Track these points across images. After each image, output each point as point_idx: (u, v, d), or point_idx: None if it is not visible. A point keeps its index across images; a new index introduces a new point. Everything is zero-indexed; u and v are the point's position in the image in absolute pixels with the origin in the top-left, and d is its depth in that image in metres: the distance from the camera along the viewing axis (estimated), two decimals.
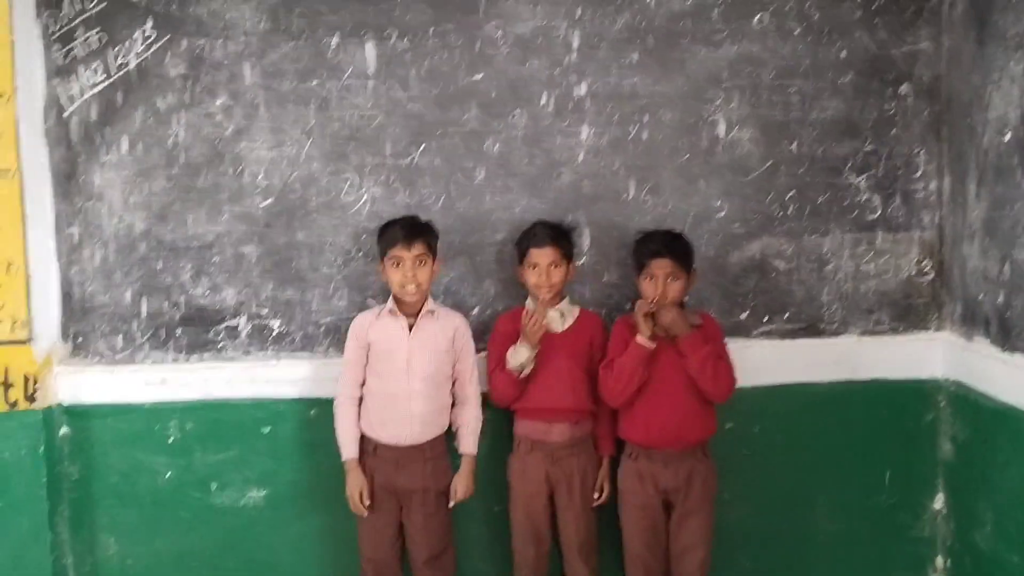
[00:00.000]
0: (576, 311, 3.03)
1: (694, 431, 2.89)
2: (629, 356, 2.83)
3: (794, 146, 3.17)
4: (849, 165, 3.18)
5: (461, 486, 2.96)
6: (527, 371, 2.88)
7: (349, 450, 2.93)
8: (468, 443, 2.99)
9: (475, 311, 3.19)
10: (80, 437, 3.21)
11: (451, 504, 2.96)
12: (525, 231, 3.02)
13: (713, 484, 2.95)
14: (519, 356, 2.87)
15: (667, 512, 2.94)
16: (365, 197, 3.17)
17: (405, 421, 2.89)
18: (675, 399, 2.86)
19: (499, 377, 2.93)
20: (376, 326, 2.93)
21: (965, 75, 3.01)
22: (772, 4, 3.13)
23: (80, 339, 3.22)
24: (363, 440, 2.96)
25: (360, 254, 3.17)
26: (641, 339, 2.82)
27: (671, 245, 2.91)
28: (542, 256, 2.93)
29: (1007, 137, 2.73)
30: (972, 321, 3.00)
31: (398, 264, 2.86)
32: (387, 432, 2.90)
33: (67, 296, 3.21)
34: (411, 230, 2.88)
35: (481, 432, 3.04)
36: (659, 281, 2.86)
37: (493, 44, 3.14)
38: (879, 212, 3.20)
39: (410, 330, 2.91)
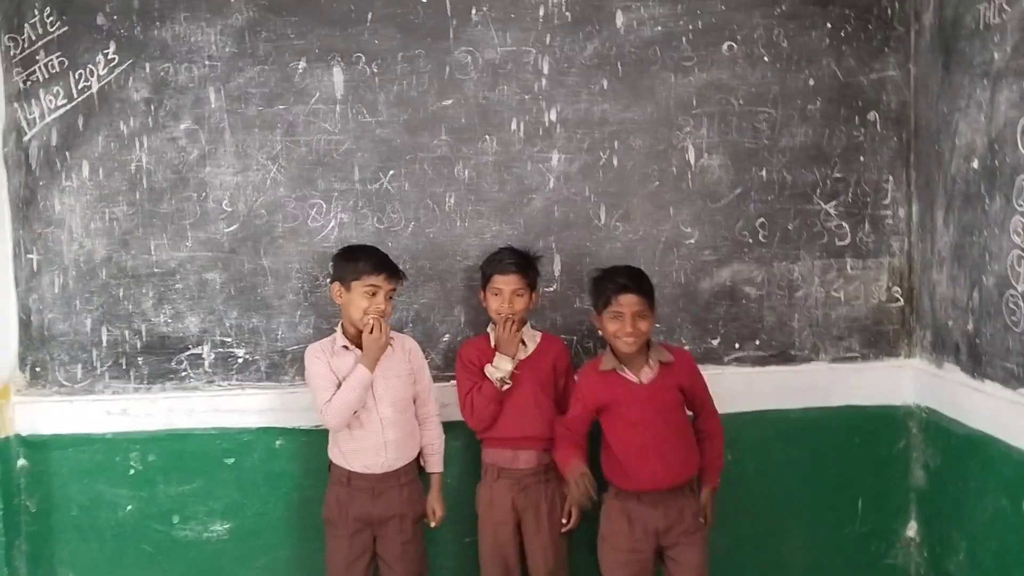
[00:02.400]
0: (538, 336, 3.00)
1: (685, 470, 2.77)
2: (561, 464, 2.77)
3: (763, 173, 3.17)
4: (818, 192, 3.19)
5: (439, 506, 2.94)
6: (508, 385, 2.85)
7: (355, 375, 2.79)
8: (435, 462, 2.97)
9: (445, 337, 3.16)
10: (38, 469, 3.13)
11: (432, 525, 2.92)
12: (490, 256, 2.99)
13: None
14: (502, 366, 2.84)
15: (658, 557, 2.81)
16: (333, 223, 3.13)
17: (380, 450, 2.83)
18: (663, 447, 2.71)
19: (476, 397, 2.88)
20: (334, 361, 2.86)
21: (932, 102, 3.03)
22: (741, 32, 3.14)
23: (38, 368, 3.14)
24: (335, 470, 2.90)
25: (328, 281, 3.11)
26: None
27: (638, 281, 2.75)
28: (506, 283, 2.90)
29: (974, 164, 2.74)
30: (942, 348, 3.00)
31: (373, 293, 2.81)
32: (361, 462, 2.84)
33: (25, 324, 3.13)
34: (392, 265, 2.85)
35: (450, 461, 3.01)
36: (627, 319, 2.67)
37: (463, 69, 3.12)
38: (848, 239, 3.21)
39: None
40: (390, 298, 2.84)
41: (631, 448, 2.72)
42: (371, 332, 2.79)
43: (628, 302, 2.70)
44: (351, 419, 2.82)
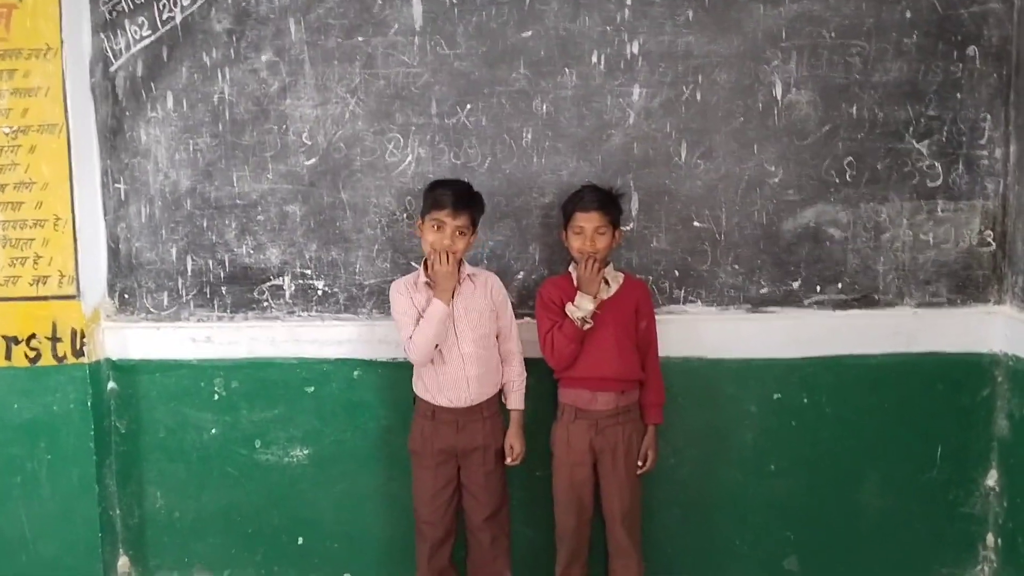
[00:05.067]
0: (620, 277, 2.96)
1: None
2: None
3: (854, 109, 3.05)
4: (911, 130, 3.06)
5: (517, 443, 2.96)
6: (589, 325, 2.83)
7: (431, 309, 2.83)
8: (516, 399, 2.98)
9: (520, 275, 3.15)
10: (127, 392, 3.26)
11: (508, 462, 2.95)
12: (572, 194, 2.95)
13: None
14: (583, 305, 2.82)
15: None
16: (410, 158, 3.13)
17: (462, 384, 2.87)
18: None
19: (557, 336, 2.87)
20: (416, 296, 2.88)
21: None
22: None
23: (127, 295, 3.25)
24: (421, 403, 2.95)
25: (404, 216, 3.13)
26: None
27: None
28: (588, 221, 2.86)
29: None
30: None
31: (438, 228, 2.82)
32: (445, 396, 2.89)
33: (114, 252, 3.23)
34: (460, 199, 2.83)
35: (526, 396, 3.03)
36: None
37: (543, 0, 3.04)
38: (940, 180, 3.08)
39: (451, 295, 2.87)
40: (462, 234, 2.83)
41: None
42: (438, 264, 2.80)
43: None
44: (434, 354, 2.85)
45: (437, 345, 2.85)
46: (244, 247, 3.19)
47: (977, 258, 3.11)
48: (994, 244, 3.11)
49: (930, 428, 3.14)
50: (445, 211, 2.80)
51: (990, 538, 3.16)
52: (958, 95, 3.05)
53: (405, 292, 2.91)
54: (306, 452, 3.25)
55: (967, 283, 3.12)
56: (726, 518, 3.22)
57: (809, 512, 3.20)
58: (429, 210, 2.85)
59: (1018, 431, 3.01)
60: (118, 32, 3.11)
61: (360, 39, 3.08)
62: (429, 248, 2.84)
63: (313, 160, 3.14)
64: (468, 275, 2.91)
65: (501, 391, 2.99)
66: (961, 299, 3.12)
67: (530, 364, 3.01)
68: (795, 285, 3.13)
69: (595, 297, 2.83)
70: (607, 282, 2.90)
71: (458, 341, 2.86)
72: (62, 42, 3.03)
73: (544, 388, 3.05)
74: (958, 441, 3.14)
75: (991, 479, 3.15)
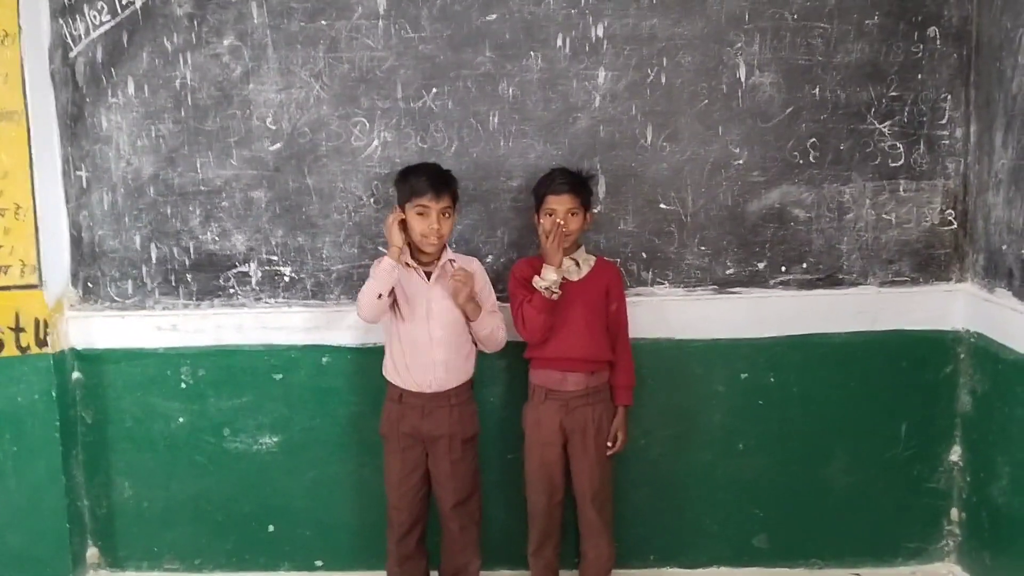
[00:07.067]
0: (592, 260, 2.97)
1: None
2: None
3: (816, 91, 3.07)
4: (873, 111, 3.09)
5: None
6: (557, 295, 2.82)
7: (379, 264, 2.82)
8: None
9: (489, 259, 3.15)
10: (93, 382, 3.24)
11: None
12: (543, 177, 2.95)
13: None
14: (547, 276, 2.81)
15: None
16: (376, 142, 3.11)
17: (429, 368, 2.86)
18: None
19: (527, 309, 2.86)
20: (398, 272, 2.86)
21: (996, 18, 2.90)
22: None
23: (90, 284, 3.21)
24: (390, 387, 2.94)
25: (371, 200, 3.12)
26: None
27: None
28: (560, 203, 2.86)
29: None
30: (994, 272, 2.94)
31: (423, 214, 2.80)
32: (412, 378, 2.88)
33: (76, 241, 3.20)
34: (440, 181, 2.81)
35: (495, 380, 3.06)
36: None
37: None
38: (902, 160, 3.12)
39: (428, 278, 2.86)
40: (447, 216, 2.82)
41: None
42: (387, 221, 2.80)
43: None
44: (380, 316, 2.84)
45: (398, 306, 2.84)
46: (209, 234, 3.16)
47: (939, 237, 3.15)
48: (955, 223, 3.14)
49: (895, 405, 3.18)
50: (427, 196, 2.78)
51: (955, 512, 3.21)
52: (919, 76, 3.08)
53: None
54: (275, 440, 3.23)
55: (929, 261, 3.16)
56: (696, 497, 3.25)
57: (777, 490, 3.23)
58: (409, 198, 2.82)
59: (980, 407, 3.06)
60: (77, 17, 3.06)
61: (324, 23, 3.06)
62: (418, 236, 2.81)
63: (278, 145, 3.12)
64: (449, 260, 2.90)
65: (472, 380, 2.97)
66: (924, 277, 3.16)
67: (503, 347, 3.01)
68: (761, 266, 3.15)
69: (559, 267, 2.82)
70: (578, 264, 2.92)
71: (429, 324, 2.85)
72: (20, 28, 2.99)
73: (515, 370, 3.06)
74: (922, 417, 3.19)
75: (955, 454, 3.19)
